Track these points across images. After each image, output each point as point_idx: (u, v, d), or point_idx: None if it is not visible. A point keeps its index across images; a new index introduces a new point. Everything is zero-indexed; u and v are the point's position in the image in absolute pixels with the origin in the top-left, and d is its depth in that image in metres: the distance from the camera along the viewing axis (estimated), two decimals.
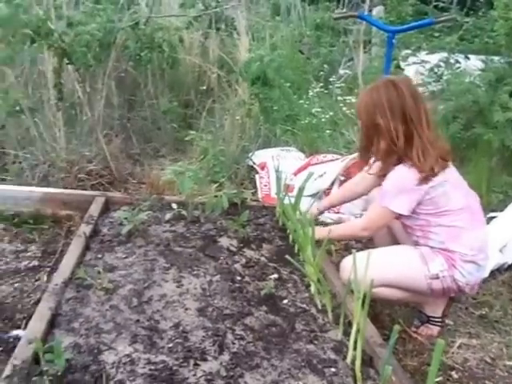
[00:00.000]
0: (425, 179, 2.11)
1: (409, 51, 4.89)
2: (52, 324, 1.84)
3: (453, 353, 2.32)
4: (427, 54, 4.80)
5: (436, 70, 4.52)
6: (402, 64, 4.80)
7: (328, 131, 4.34)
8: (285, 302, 2.16)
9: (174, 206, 2.91)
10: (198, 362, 1.73)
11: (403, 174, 2.16)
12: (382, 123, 2.15)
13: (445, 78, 4.50)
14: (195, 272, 2.30)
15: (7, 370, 1.57)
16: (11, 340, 1.94)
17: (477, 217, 2.25)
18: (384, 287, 2.15)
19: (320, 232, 2.31)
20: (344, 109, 4.64)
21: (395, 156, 2.20)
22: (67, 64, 3.32)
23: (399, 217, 2.28)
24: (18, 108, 3.19)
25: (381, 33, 5.45)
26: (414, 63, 4.62)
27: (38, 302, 2.06)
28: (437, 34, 5.56)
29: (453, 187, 2.18)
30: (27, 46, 3.02)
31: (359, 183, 2.60)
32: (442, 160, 2.15)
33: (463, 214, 2.18)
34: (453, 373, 2.20)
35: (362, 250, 2.51)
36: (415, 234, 2.27)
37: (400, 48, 4.96)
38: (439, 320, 2.40)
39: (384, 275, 2.10)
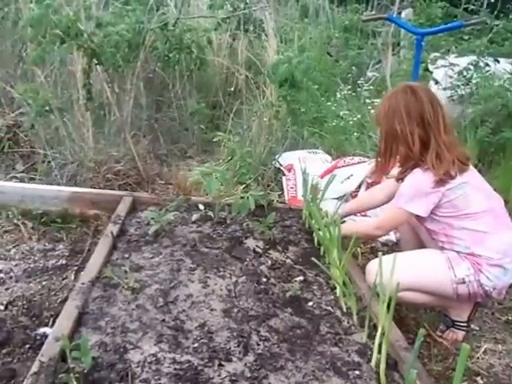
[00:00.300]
0: (441, 182, 2.13)
1: (438, 54, 4.83)
2: (79, 322, 1.86)
3: (478, 358, 2.29)
4: (456, 56, 4.74)
5: (465, 73, 4.47)
6: (431, 67, 4.74)
7: (355, 134, 4.31)
8: (310, 304, 2.16)
9: (201, 206, 2.92)
10: (223, 363, 1.74)
11: (419, 178, 2.18)
12: (399, 129, 2.19)
13: (474, 81, 4.46)
14: (221, 273, 2.30)
15: (34, 367, 1.58)
16: (39, 337, 1.96)
17: (501, 220, 2.23)
18: (409, 291, 2.14)
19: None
20: (372, 111, 4.60)
21: (412, 161, 2.23)
22: (96, 64, 3.35)
23: (421, 220, 2.29)
24: (47, 108, 3.22)
25: (409, 35, 5.40)
26: (443, 66, 4.56)
27: (65, 300, 2.09)
28: (466, 37, 5.49)
29: (473, 190, 2.17)
30: (57, 47, 3.05)
31: (383, 189, 2.61)
32: (460, 163, 2.16)
33: (486, 217, 2.17)
34: (478, 378, 2.18)
35: (388, 253, 2.49)
36: (440, 239, 2.27)
37: (429, 51, 4.91)
38: (464, 324, 2.37)
39: (410, 279, 2.09)
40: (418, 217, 2.26)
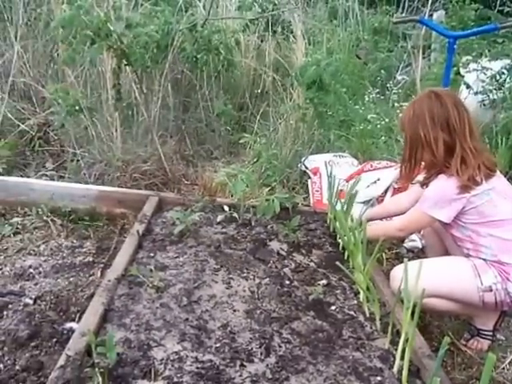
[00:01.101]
0: (465, 188, 2.11)
1: (470, 57, 4.73)
2: (104, 318, 1.89)
3: (503, 369, 2.24)
4: (489, 60, 4.63)
5: (498, 77, 4.37)
6: (462, 71, 4.65)
7: (383, 138, 4.25)
8: (333, 308, 2.15)
9: (226, 208, 2.94)
10: (245, 363, 1.75)
11: (443, 183, 2.17)
12: (422, 134, 2.18)
13: (507, 85, 4.35)
14: (244, 274, 2.32)
15: (61, 360, 1.62)
16: (65, 332, 2.00)
17: None
18: (434, 298, 2.11)
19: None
20: (400, 115, 4.54)
21: (437, 167, 2.22)
22: (125, 65, 3.39)
23: (447, 227, 2.28)
24: (77, 107, 3.27)
25: (441, 38, 5.31)
26: (475, 70, 4.47)
27: (91, 296, 2.12)
28: (500, 40, 5.32)
29: (500, 196, 2.15)
30: (87, 47, 3.09)
31: (409, 195, 2.59)
32: (486, 169, 2.13)
33: None
34: None
35: (413, 259, 2.46)
36: (466, 246, 2.24)
37: (461, 54, 4.82)
38: (490, 334, 2.34)
39: (435, 286, 2.07)
40: (443, 223, 2.24)
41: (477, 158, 2.12)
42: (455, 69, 4.41)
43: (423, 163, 2.29)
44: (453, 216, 2.17)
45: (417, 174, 2.38)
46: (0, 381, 1.72)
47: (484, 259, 2.16)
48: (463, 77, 4.55)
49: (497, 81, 4.36)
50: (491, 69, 4.39)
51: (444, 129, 2.15)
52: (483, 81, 4.37)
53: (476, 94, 4.31)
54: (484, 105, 4.35)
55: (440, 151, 2.16)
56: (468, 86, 4.35)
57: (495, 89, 4.35)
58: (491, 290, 2.11)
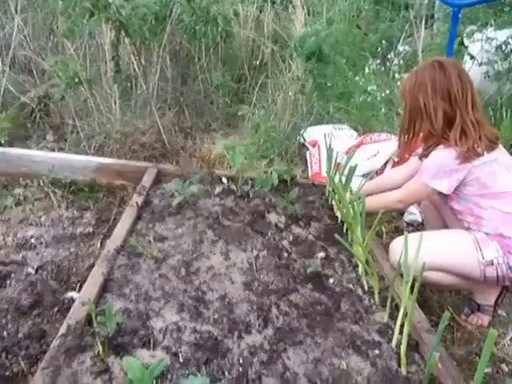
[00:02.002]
0: (466, 158, 2.08)
1: (474, 27, 4.62)
2: (104, 288, 1.93)
3: (504, 345, 2.23)
4: (494, 29, 4.51)
5: (504, 47, 4.27)
6: (466, 41, 4.56)
7: (383, 110, 4.23)
8: (331, 281, 2.18)
9: (224, 180, 2.96)
10: (243, 335, 1.78)
11: (442, 154, 2.15)
12: (422, 104, 2.15)
13: None
14: (243, 246, 2.34)
15: (62, 329, 1.66)
16: (66, 301, 2.04)
17: None
18: (434, 271, 2.10)
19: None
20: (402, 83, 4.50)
21: (435, 138, 2.19)
22: (124, 37, 3.37)
23: (448, 200, 2.26)
24: (76, 80, 3.26)
25: (445, 7, 5.21)
26: (479, 40, 4.38)
27: (91, 266, 2.16)
28: (507, 9, 5.20)
29: (503, 168, 2.13)
30: (86, 20, 3.07)
31: (406, 168, 2.58)
32: (488, 141, 2.11)
33: None
34: (503, 365, 2.13)
35: (413, 232, 2.46)
36: (466, 219, 2.22)
37: (465, 24, 4.72)
38: (491, 309, 2.32)
39: (435, 259, 2.06)
40: (443, 195, 2.22)
41: (478, 130, 2.10)
42: (459, 39, 4.34)
43: (422, 134, 2.26)
44: (453, 187, 2.15)
45: (416, 145, 2.37)
46: (4, 347, 1.77)
47: (485, 233, 2.14)
48: (467, 47, 4.47)
49: (502, 51, 4.27)
50: (496, 39, 4.30)
51: (445, 99, 2.12)
52: (488, 51, 4.28)
53: (480, 65, 4.23)
54: (488, 76, 4.28)
55: (439, 121, 2.14)
56: (472, 57, 4.26)
57: (500, 59, 4.27)
58: (493, 264, 2.09)
